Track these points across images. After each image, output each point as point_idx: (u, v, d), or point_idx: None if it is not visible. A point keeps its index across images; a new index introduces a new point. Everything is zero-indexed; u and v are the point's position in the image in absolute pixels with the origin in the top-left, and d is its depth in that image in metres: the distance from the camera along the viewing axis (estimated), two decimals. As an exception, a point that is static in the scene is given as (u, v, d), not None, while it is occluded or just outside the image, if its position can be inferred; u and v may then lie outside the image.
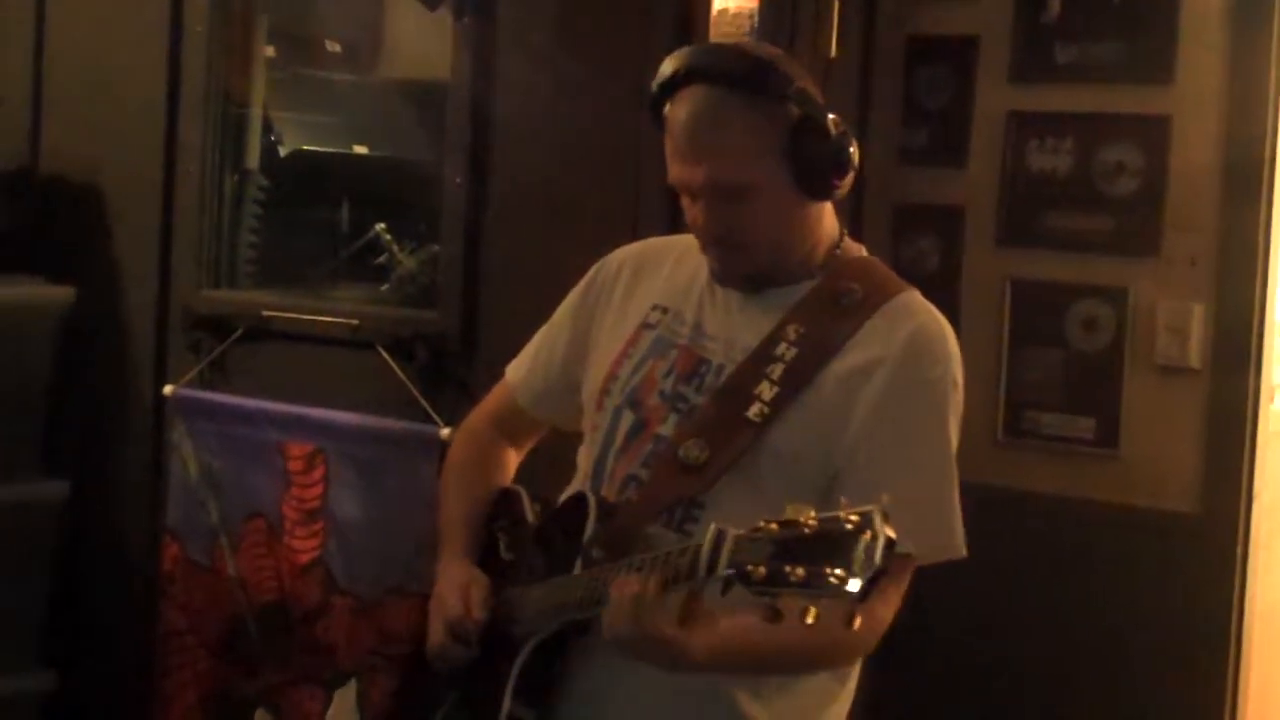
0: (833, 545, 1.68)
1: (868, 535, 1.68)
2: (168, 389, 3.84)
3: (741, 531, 1.78)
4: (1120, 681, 3.45)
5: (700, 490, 2.11)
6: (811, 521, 1.71)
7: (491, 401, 2.58)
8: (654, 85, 2.19)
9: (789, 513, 1.73)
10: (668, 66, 2.17)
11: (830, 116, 2.16)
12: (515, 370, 2.54)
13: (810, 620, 1.69)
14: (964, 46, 3.61)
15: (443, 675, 2.35)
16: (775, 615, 1.72)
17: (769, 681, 2.19)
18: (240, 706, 3.73)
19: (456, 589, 2.30)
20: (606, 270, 2.44)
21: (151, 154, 3.94)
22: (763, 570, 1.72)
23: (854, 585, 1.66)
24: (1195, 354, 3.40)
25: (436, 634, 2.30)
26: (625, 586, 1.95)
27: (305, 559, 3.61)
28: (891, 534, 1.68)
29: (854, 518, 1.69)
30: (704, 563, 1.81)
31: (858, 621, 1.69)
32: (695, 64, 2.15)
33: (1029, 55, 3.55)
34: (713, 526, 1.82)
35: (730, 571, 1.76)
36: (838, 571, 1.67)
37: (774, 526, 1.74)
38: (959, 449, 2.21)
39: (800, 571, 1.69)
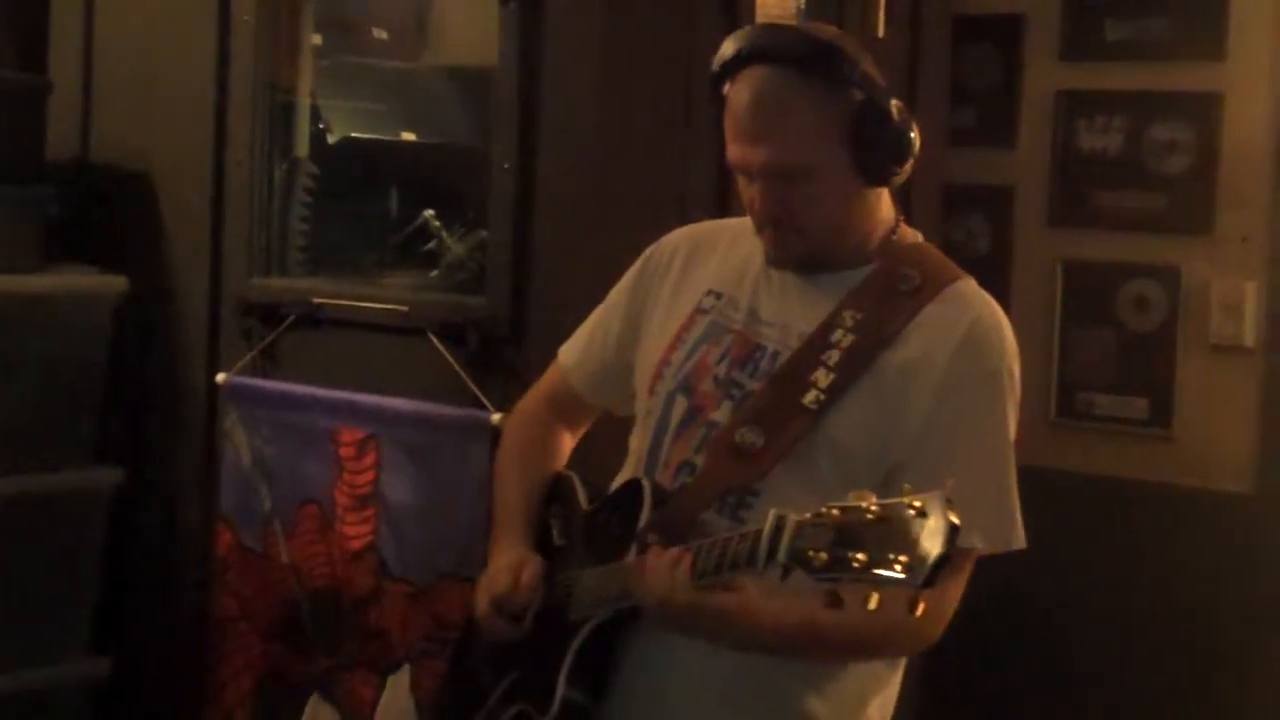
0: (895, 531, 1.68)
1: (931, 521, 1.66)
2: (220, 377, 3.85)
3: (803, 517, 1.77)
4: (1178, 662, 3.43)
5: (755, 478, 2.11)
6: (874, 507, 1.70)
7: (545, 384, 2.58)
8: (715, 64, 2.18)
9: (850, 498, 1.73)
10: (729, 46, 2.16)
11: (894, 101, 2.15)
12: (568, 352, 2.53)
13: (873, 606, 1.68)
14: (1011, 25, 3.60)
15: (494, 660, 2.35)
16: (836, 601, 1.71)
17: (820, 668, 2.18)
18: (294, 692, 3.74)
19: (508, 568, 2.30)
20: (660, 253, 2.43)
21: (201, 143, 3.96)
22: (824, 556, 1.71)
23: (917, 572, 1.65)
24: (1249, 332, 3.39)
25: (483, 609, 2.31)
26: (656, 557, 1.97)
27: (358, 545, 3.62)
28: (956, 520, 1.66)
29: (917, 503, 1.68)
30: (764, 548, 1.80)
31: (921, 607, 1.68)
32: (759, 44, 2.13)
33: (1078, 33, 3.54)
34: (772, 512, 1.81)
35: (791, 557, 1.75)
36: (901, 558, 1.66)
37: (835, 512, 1.73)
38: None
39: (862, 557, 1.68)
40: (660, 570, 1.97)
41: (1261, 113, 3.39)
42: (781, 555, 1.77)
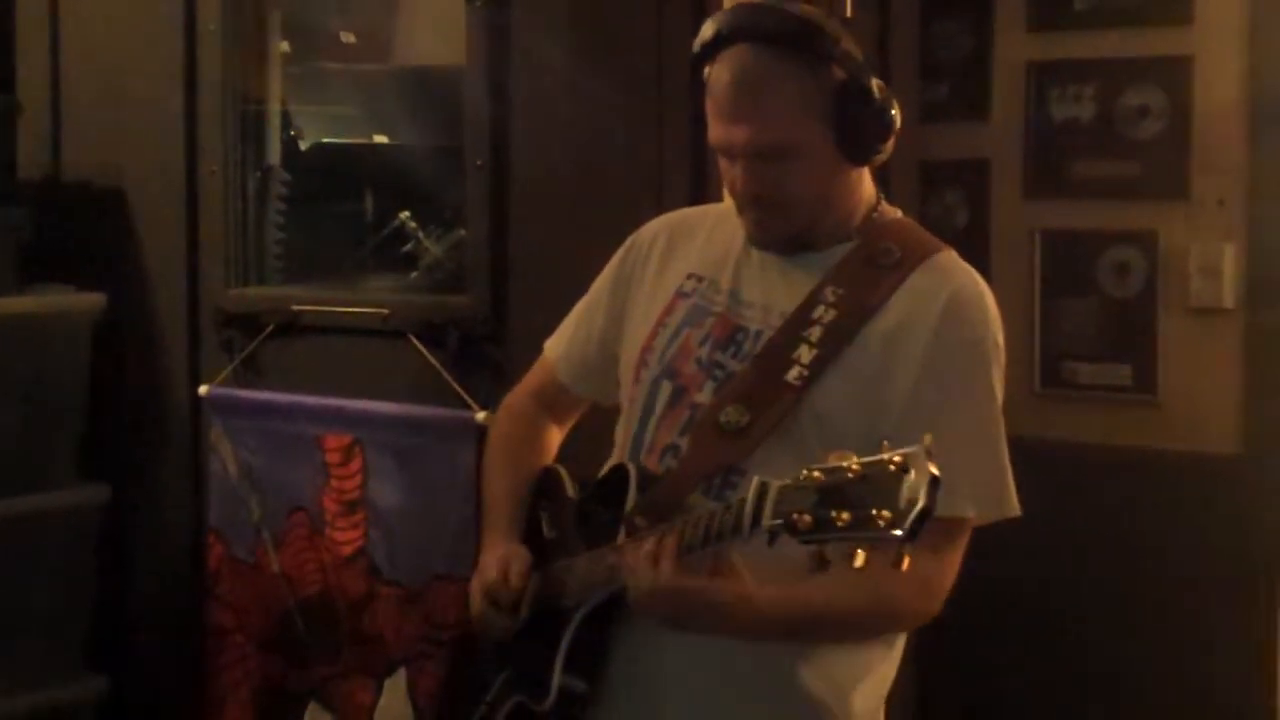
0: (877, 488, 1.68)
1: (912, 475, 1.67)
2: (203, 389, 3.85)
3: (785, 482, 1.77)
4: (1167, 625, 3.44)
5: (741, 456, 2.11)
6: (855, 466, 1.70)
7: (531, 379, 2.58)
8: (695, 46, 2.17)
9: (831, 460, 1.73)
10: (709, 28, 2.15)
11: (875, 80, 2.14)
12: (554, 346, 2.53)
13: (859, 564, 1.68)
14: (979, -2, 3.60)
15: (492, 655, 2.35)
16: (823, 563, 1.72)
17: (817, 646, 2.18)
18: (292, 701, 3.74)
19: (496, 561, 2.31)
20: (641, 242, 2.44)
21: (172, 156, 3.95)
22: (808, 518, 1.71)
23: (900, 525, 1.65)
24: (1229, 294, 3.39)
25: (476, 603, 2.31)
26: (639, 547, 1.97)
27: (348, 551, 3.62)
28: (935, 471, 1.67)
29: (897, 459, 1.69)
30: (749, 515, 1.80)
31: (906, 561, 1.68)
32: (739, 24, 2.13)
33: (1046, 3, 3.54)
34: (756, 479, 1.82)
35: (776, 522, 1.75)
36: (884, 513, 1.66)
37: (817, 474, 1.73)
38: (998, 401, 2.21)
39: (846, 516, 1.68)
40: (642, 563, 1.97)
41: (1232, 74, 3.39)
42: (766, 520, 1.77)
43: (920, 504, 1.65)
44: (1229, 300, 3.39)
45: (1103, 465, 3.50)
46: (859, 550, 1.68)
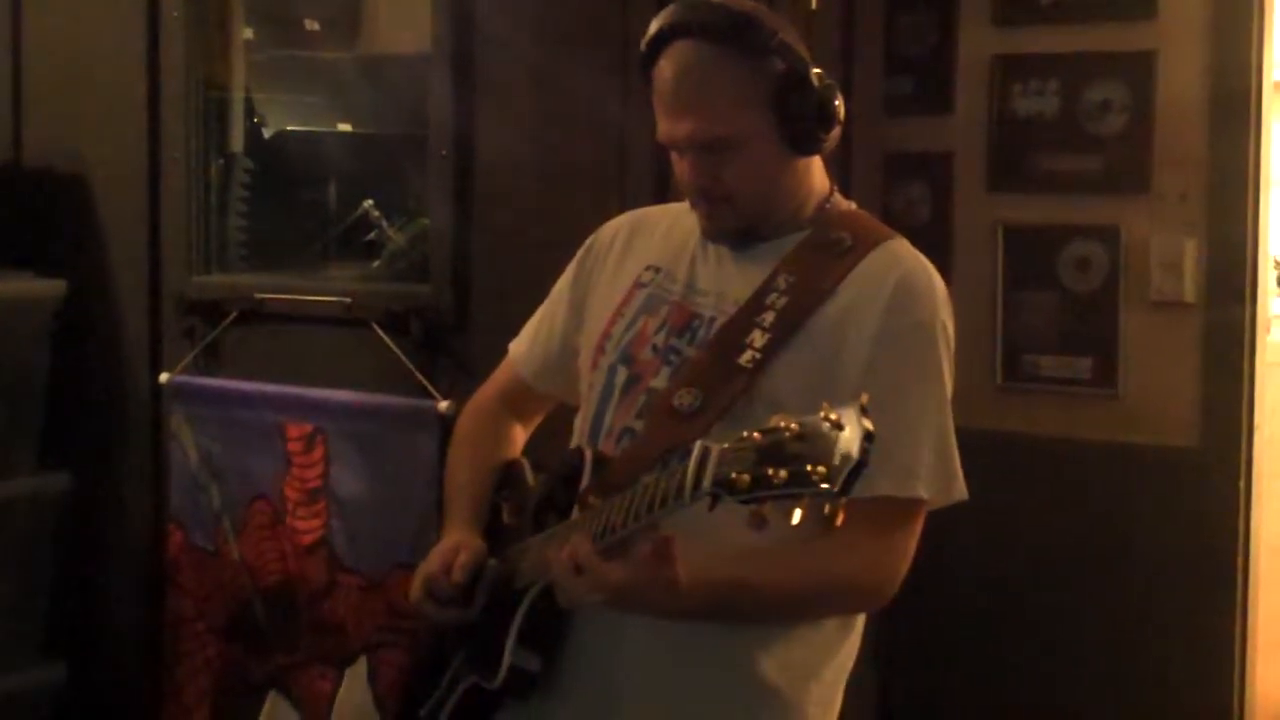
0: (813, 445, 1.69)
1: (847, 431, 1.68)
2: (164, 376, 3.83)
3: (725, 445, 1.78)
4: (1127, 620, 3.46)
5: (693, 437, 2.10)
6: (793, 426, 1.71)
7: (496, 379, 2.59)
8: (642, 45, 2.21)
9: (771, 421, 1.74)
10: (654, 25, 2.19)
11: (815, 70, 2.18)
12: (518, 345, 2.55)
13: (796, 521, 1.69)
14: (944, -8, 3.60)
15: (452, 640, 2.36)
16: (761, 522, 1.72)
17: (773, 632, 2.20)
18: (252, 690, 3.73)
19: (441, 552, 2.32)
20: (601, 239, 2.46)
21: (135, 142, 3.93)
22: (747, 478, 1.72)
23: (835, 480, 1.66)
24: (1190, 288, 3.41)
25: (415, 592, 2.32)
26: (559, 551, 1.98)
27: (309, 539, 3.61)
28: (870, 426, 1.68)
29: (833, 416, 1.70)
30: (690, 479, 1.81)
31: (841, 517, 1.69)
32: (678, 20, 2.16)
33: (1010, -2, 3.54)
34: (698, 444, 1.82)
35: (716, 484, 1.76)
36: (820, 469, 1.67)
37: (757, 435, 1.74)
38: (959, 394, 2.22)
39: (783, 474, 1.69)
40: (564, 568, 1.97)
41: (1194, 69, 3.40)
42: (707, 483, 1.77)
43: (855, 458, 1.67)
44: (1190, 294, 3.41)
45: (1063, 457, 3.52)
46: (796, 508, 1.69)
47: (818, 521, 1.70)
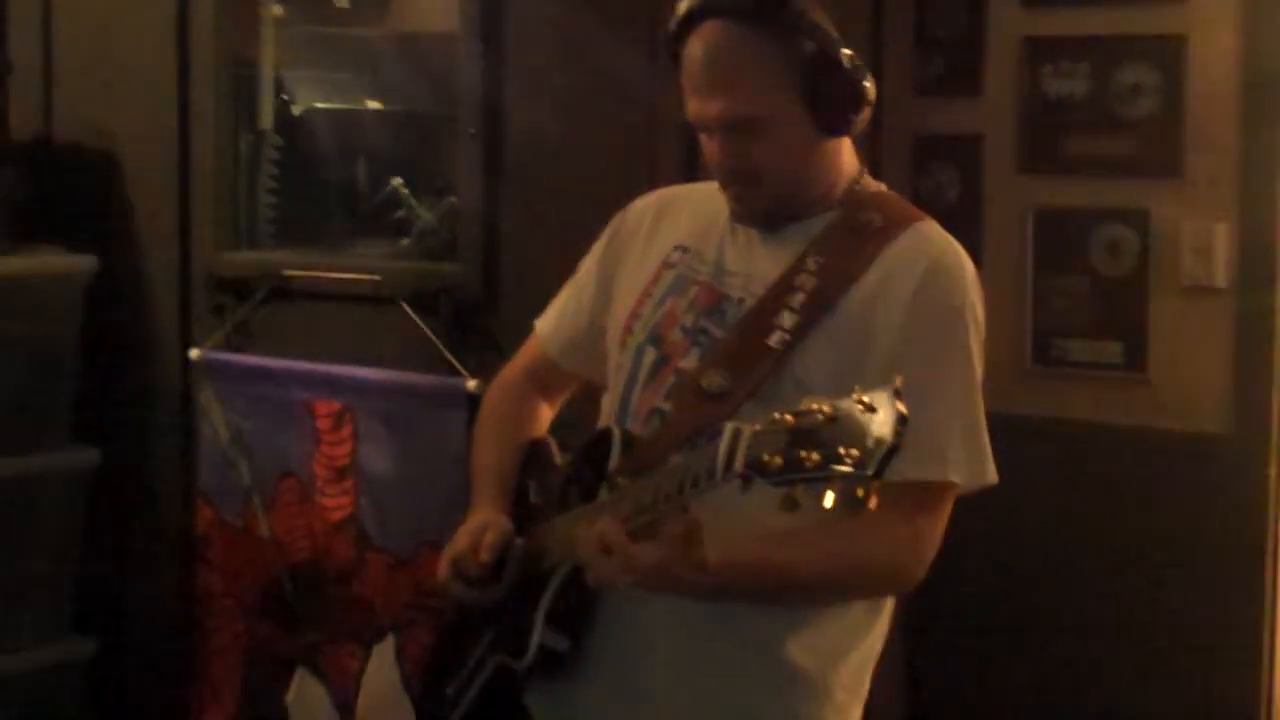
0: (846, 428, 1.69)
1: (880, 414, 1.68)
2: (194, 353, 3.85)
3: (757, 427, 1.77)
4: (1154, 605, 3.44)
5: (722, 419, 2.10)
6: (826, 409, 1.71)
7: (522, 356, 2.59)
8: (670, 25, 2.20)
9: (803, 404, 1.73)
10: (683, 5, 2.19)
11: (845, 51, 2.17)
12: (544, 323, 2.55)
13: (828, 505, 1.69)
14: (974, -28, 3.59)
15: (480, 619, 2.36)
16: (793, 505, 1.72)
17: (801, 615, 2.20)
18: (280, 666, 3.75)
19: (469, 531, 2.32)
20: (629, 218, 2.45)
21: (165, 118, 3.94)
22: (779, 460, 1.72)
23: (868, 463, 1.66)
24: (1220, 274, 3.39)
25: (442, 572, 2.32)
26: (588, 531, 1.98)
27: (337, 517, 3.62)
28: (903, 409, 1.68)
29: (866, 399, 1.69)
30: (722, 459, 1.80)
31: (874, 501, 1.69)
32: (708, 0, 2.15)
33: (1042, -22, 3.53)
34: (729, 425, 1.82)
35: (748, 465, 1.76)
36: (853, 452, 1.67)
37: (789, 418, 1.73)
38: (988, 378, 2.21)
39: (816, 456, 1.69)
40: (593, 549, 1.97)
41: (1226, 53, 3.38)
42: (739, 464, 1.77)
43: (888, 442, 1.66)
44: (1221, 279, 3.39)
45: (1092, 443, 3.51)
46: (828, 491, 1.69)
47: (849, 504, 1.70)
